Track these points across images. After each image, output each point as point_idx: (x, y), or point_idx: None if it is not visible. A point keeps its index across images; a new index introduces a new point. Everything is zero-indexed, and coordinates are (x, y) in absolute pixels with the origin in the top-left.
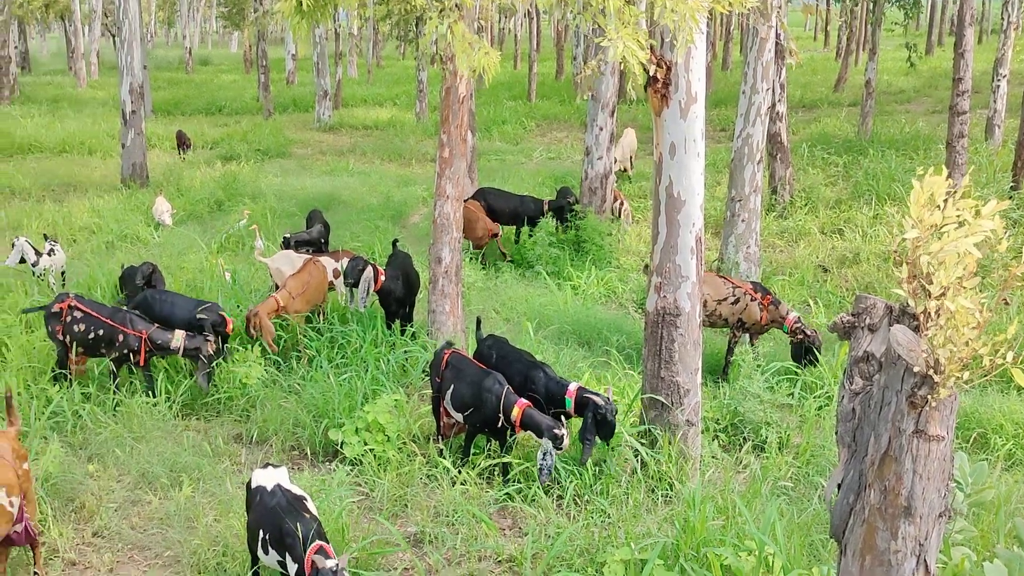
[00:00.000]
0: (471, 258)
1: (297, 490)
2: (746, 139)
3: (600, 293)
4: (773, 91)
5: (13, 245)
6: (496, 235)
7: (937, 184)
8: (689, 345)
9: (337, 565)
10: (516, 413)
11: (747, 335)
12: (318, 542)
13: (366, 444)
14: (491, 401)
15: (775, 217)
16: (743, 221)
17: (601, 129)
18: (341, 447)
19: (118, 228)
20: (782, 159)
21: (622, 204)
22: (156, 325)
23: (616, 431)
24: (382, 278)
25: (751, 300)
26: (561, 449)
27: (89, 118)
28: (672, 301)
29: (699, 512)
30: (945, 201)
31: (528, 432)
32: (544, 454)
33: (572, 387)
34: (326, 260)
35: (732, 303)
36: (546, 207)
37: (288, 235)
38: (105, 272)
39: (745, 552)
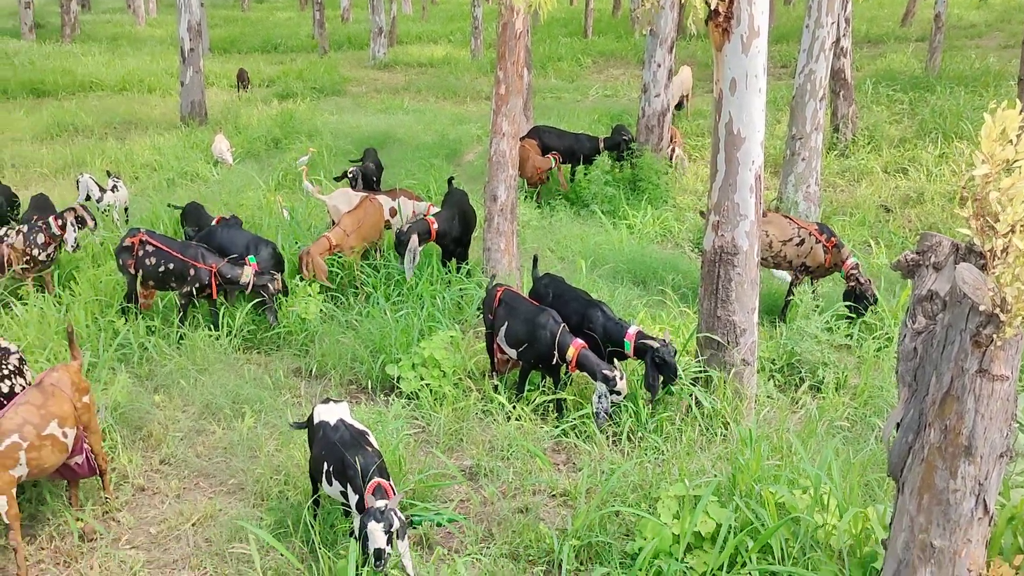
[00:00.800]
0: (526, 196)
1: (359, 425)
2: (808, 75)
3: (656, 232)
4: (838, 25)
5: (78, 182)
6: (550, 169)
7: (1010, 118)
8: (746, 284)
9: (386, 506)
10: (572, 354)
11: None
12: (377, 479)
13: (422, 379)
14: (545, 338)
15: (836, 156)
16: (803, 160)
17: (659, 66)
18: (398, 382)
19: (178, 165)
20: (845, 96)
21: (674, 149)
22: (226, 260)
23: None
24: (435, 227)
25: (816, 242)
26: (618, 394)
27: (148, 56)
28: (730, 240)
29: (754, 450)
30: (1018, 136)
31: (583, 373)
32: (599, 396)
33: (632, 331)
34: (382, 198)
35: (797, 244)
36: (601, 145)
37: (351, 172)
38: (167, 208)
39: (800, 490)
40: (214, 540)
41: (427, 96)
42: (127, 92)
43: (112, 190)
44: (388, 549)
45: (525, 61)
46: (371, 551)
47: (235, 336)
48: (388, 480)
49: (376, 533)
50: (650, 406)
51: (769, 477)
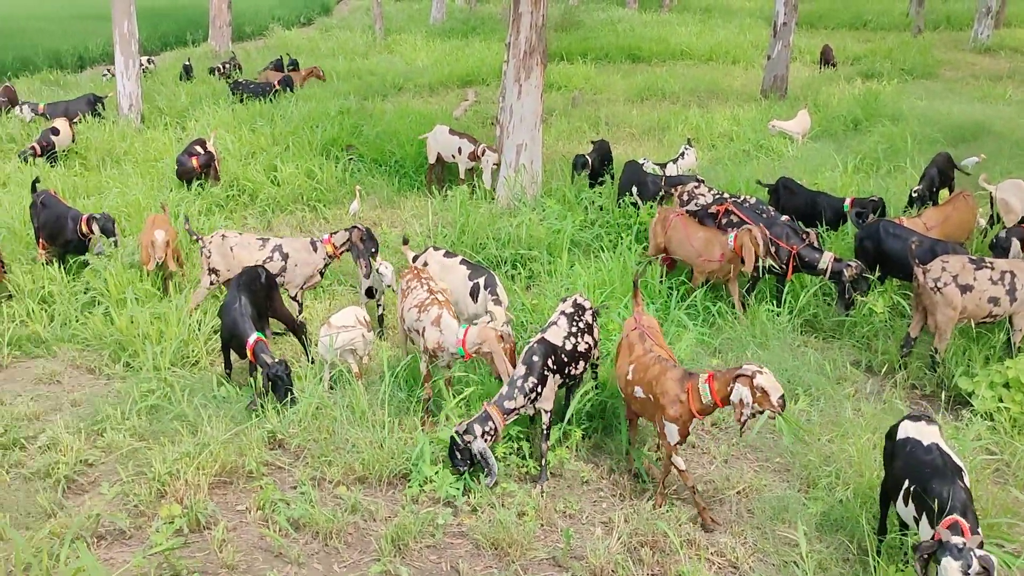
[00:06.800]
0: None
1: (956, 459)
2: None
3: None
4: None
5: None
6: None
7: None
8: None
9: (964, 544)
10: None
11: None
12: (955, 516)
13: (1001, 401)
14: None
15: None
16: None
17: None
18: (970, 397)
19: (755, 137)
20: None
21: None
22: (807, 242)
23: None
24: None
25: None
26: None
27: (736, 28)
28: None
29: None
30: None
31: None
32: None
33: None
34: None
35: None
36: None
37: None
38: (743, 178)
39: None
40: (756, 514)
41: None
42: (713, 62)
43: (676, 160)
44: None
45: None
46: None
47: (795, 316)
48: (974, 521)
49: (950, 571)
50: None
51: None
